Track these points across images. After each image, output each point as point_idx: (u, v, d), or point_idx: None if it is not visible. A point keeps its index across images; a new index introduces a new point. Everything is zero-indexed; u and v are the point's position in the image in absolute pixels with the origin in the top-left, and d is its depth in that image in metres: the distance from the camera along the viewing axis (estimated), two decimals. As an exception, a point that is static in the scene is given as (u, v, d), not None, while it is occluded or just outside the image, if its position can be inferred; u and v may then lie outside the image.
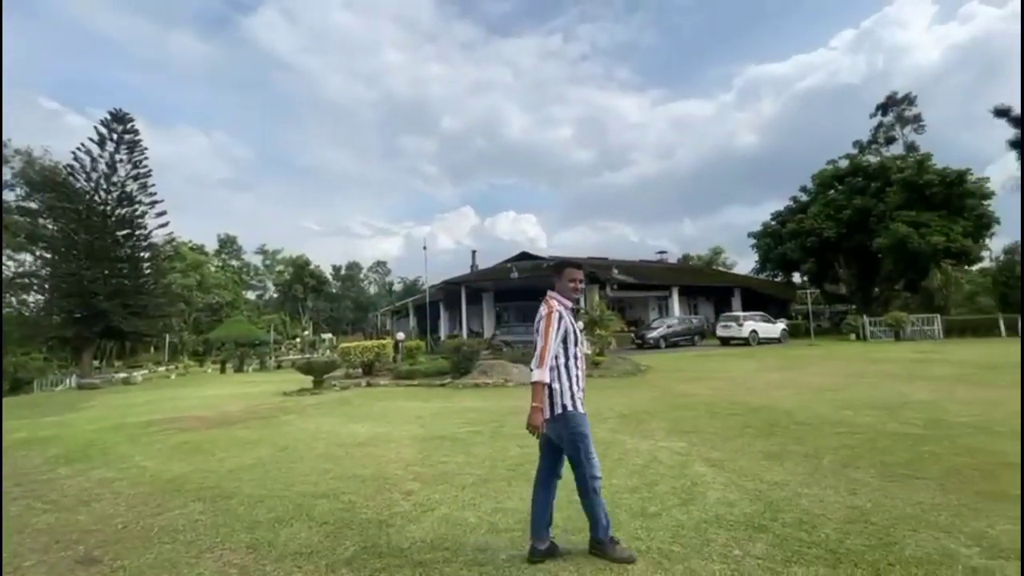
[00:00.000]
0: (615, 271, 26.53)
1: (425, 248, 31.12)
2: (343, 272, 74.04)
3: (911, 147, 33.65)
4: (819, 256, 30.66)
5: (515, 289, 26.73)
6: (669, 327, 23.90)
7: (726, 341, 22.83)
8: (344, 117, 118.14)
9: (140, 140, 27.96)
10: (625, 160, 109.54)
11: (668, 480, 3.91)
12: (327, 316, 63.48)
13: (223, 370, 24.67)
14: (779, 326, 23.81)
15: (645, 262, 38.99)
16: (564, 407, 2.65)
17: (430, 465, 4.65)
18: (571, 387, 2.67)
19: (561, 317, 2.66)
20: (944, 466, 3.96)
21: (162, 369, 26.29)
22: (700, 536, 2.83)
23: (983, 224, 26.84)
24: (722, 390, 8.75)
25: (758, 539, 2.76)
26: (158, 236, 29.43)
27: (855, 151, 34.32)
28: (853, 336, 24.25)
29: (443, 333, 29.06)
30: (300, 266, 54.13)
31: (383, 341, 16.62)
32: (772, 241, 33.29)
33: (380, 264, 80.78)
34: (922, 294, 30.54)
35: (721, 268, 50.55)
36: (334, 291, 68.38)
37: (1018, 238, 29.64)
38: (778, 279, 35.26)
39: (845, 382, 9.09)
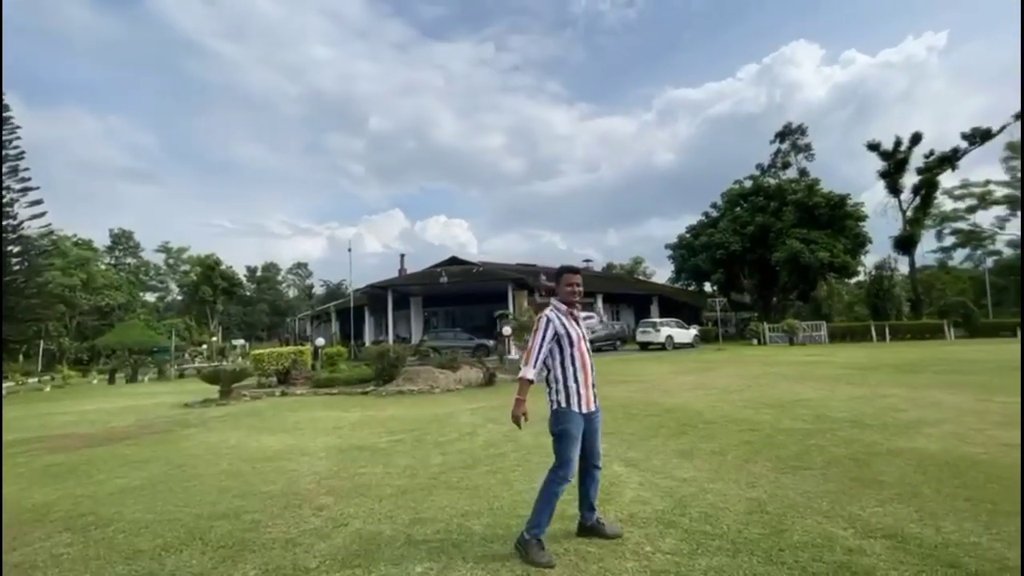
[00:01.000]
0: (543, 278, 27.06)
1: (350, 250, 30.01)
2: (259, 274, 69.24)
3: (803, 172, 37.67)
4: (727, 267, 33.38)
5: (444, 294, 26.44)
6: (593, 332, 24.71)
7: (645, 346, 24.08)
8: (263, 110, 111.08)
9: (11, 117, 24.41)
10: (554, 170, 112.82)
11: (587, 481, 3.99)
12: (240, 321, 58.89)
13: (112, 380, 21.99)
14: (692, 332, 25.51)
15: (572, 270, 40.17)
16: (557, 403, 2.90)
17: (346, 477, 4.41)
18: (565, 385, 2.86)
19: (549, 322, 2.87)
20: (826, 457, 4.40)
21: (34, 381, 22.90)
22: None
23: (859, 243, 30.63)
24: (639, 392, 9.17)
25: (668, 534, 2.89)
26: (31, 228, 25.77)
27: (757, 173, 37.86)
28: (755, 341, 26.57)
29: (368, 339, 28.01)
30: (209, 266, 49.73)
31: (301, 347, 15.67)
32: (687, 253, 35.76)
33: (301, 266, 76.57)
34: (811, 303, 34.21)
35: (641, 277, 53.40)
36: (248, 294, 63.64)
37: (885, 256, 34.17)
38: (692, 288, 37.84)
39: (747, 383, 9.90)
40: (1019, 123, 33.41)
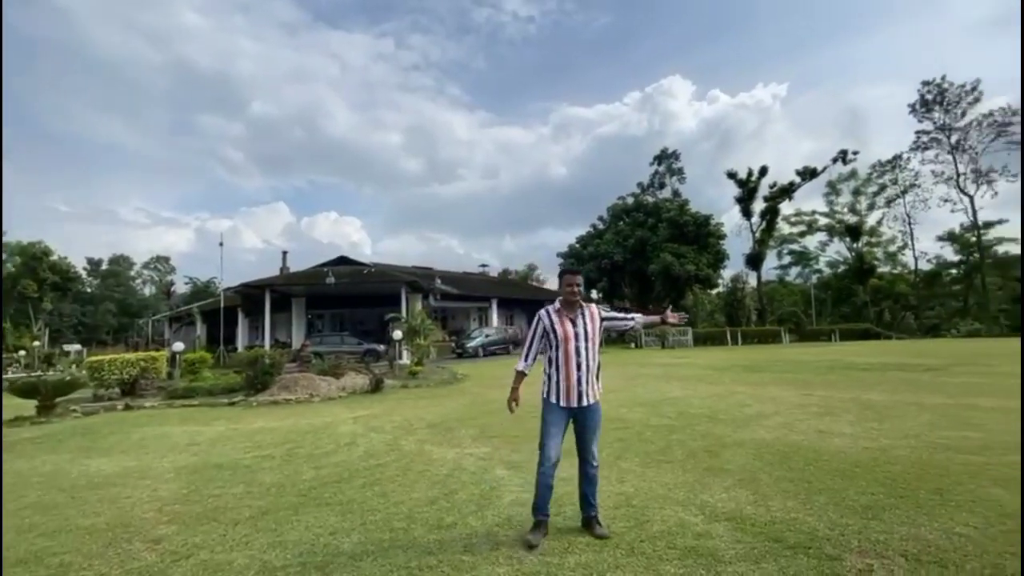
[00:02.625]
0: (438, 281, 26.72)
1: (222, 244, 26.74)
2: (104, 268, 59.30)
3: (676, 193, 42.00)
4: (611, 276, 35.97)
5: (332, 295, 24.87)
6: (487, 336, 25.02)
7: (536, 350, 24.85)
8: (118, 78, 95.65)
9: None
10: (454, 174, 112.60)
11: (469, 487, 3.95)
12: (76, 323, 49.78)
13: None
14: (579, 336, 26.98)
15: (468, 274, 40.33)
16: (542, 393, 3.16)
17: (196, 501, 3.87)
18: (548, 377, 3.12)
19: (539, 320, 3.12)
20: (686, 450, 4.86)
21: None
22: (490, 541, 2.89)
23: (719, 258, 34.94)
24: (528, 394, 9.36)
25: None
26: None
27: (638, 191, 41.48)
28: (633, 344, 28.90)
29: (240, 344, 25.30)
30: (34, 256, 41.32)
31: (155, 353, 13.62)
32: (576, 261, 37.83)
33: (161, 260, 67.11)
34: (680, 310, 37.96)
35: (535, 283, 55.30)
36: (89, 291, 54.09)
37: (739, 270, 39.43)
38: (580, 295, 40.06)
39: (624, 383, 10.66)
40: (838, 164, 40.69)
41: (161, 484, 4.42)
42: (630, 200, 39.20)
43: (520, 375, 3.17)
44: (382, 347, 20.46)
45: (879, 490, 3.50)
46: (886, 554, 2.54)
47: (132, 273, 64.02)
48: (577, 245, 39.22)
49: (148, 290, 65.27)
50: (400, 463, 4.83)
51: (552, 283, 51.96)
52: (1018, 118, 37.19)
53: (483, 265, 45.29)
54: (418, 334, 15.06)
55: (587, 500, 3.05)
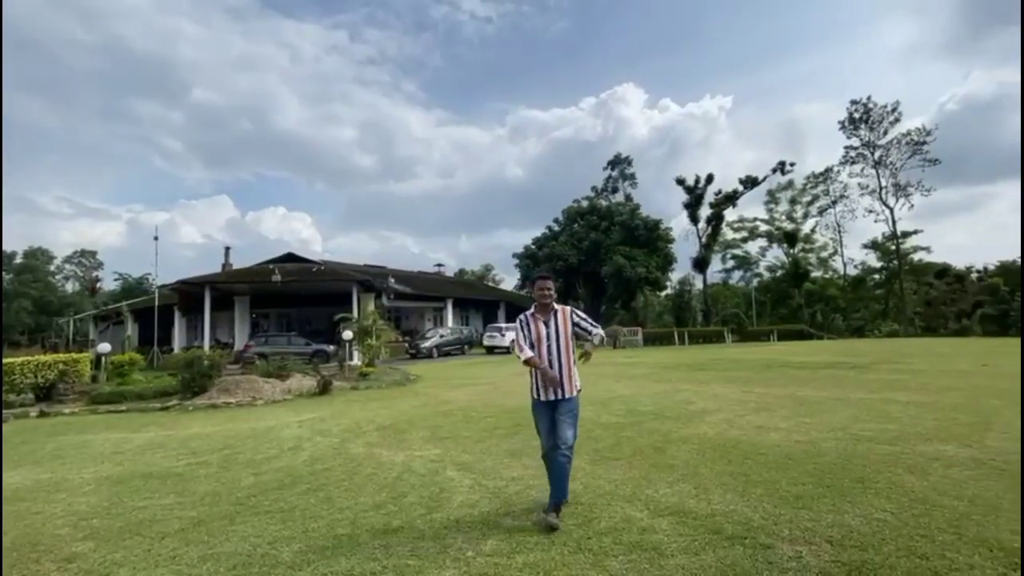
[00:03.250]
0: (392, 280, 26.23)
1: (157, 239, 24.98)
2: (19, 261, 54.15)
3: (628, 197, 43.21)
4: (565, 277, 36.48)
5: (278, 294, 23.85)
6: (442, 337, 24.75)
7: (491, 349, 24.89)
8: (41, 53, 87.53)
9: None
10: (410, 172, 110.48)
11: (418, 490, 3.88)
12: (-18, 321, 44.99)
13: None
14: (534, 336, 27.20)
15: (423, 273, 39.81)
16: (530, 392, 3.45)
17: (117, 515, 3.58)
18: (532, 376, 3.38)
19: (520, 322, 3.44)
20: (633, 447, 4.99)
21: None
22: (438, 544, 2.84)
23: (668, 261, 36.27)
24: (481, 395, 9.38)
25: (491, 536, 2.92)
26: None
27: (592, 194, 42.39)
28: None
29: (177, 345, 23.77)
30: (-68, 248, 37.03)
31: (76, 355, 12.54)
32: (532, 262, 38.18)
33: (87, 255, 61.99)
34: (631, 311, 39.13)
35: (491, 283, 55.31)
36: (-1, 286, 49.05)
37: (686, 273, 41.08)
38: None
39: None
40: (777, 175, 43.14)
41: (78, 497, 4.07)
42: (584, 203, 40.01)
43: (531, 358, 3.30)
44: (332, 348, 19.80)
45: (809, 480, 3.73)
46: (813, 540, 2.69)
47: (52, 268, 58.79)
48: (533, 246, 39.58)
49: (71, 286, 60.15)
50: (347, 467, 4.68)
51: (508, 284, 52.18)
52: (932, 138, 40.89)
53: (438, 265, 44.77)
54: (369, 334, 14.69)
55: (557, 488, 3.19)
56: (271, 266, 23.04)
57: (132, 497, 4.00)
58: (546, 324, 3.29)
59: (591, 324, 3.46)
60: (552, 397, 3.29)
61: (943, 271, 39.69)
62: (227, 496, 3.91)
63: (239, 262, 28.62)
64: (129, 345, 20.13)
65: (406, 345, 24.43)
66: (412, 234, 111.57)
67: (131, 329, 27.78)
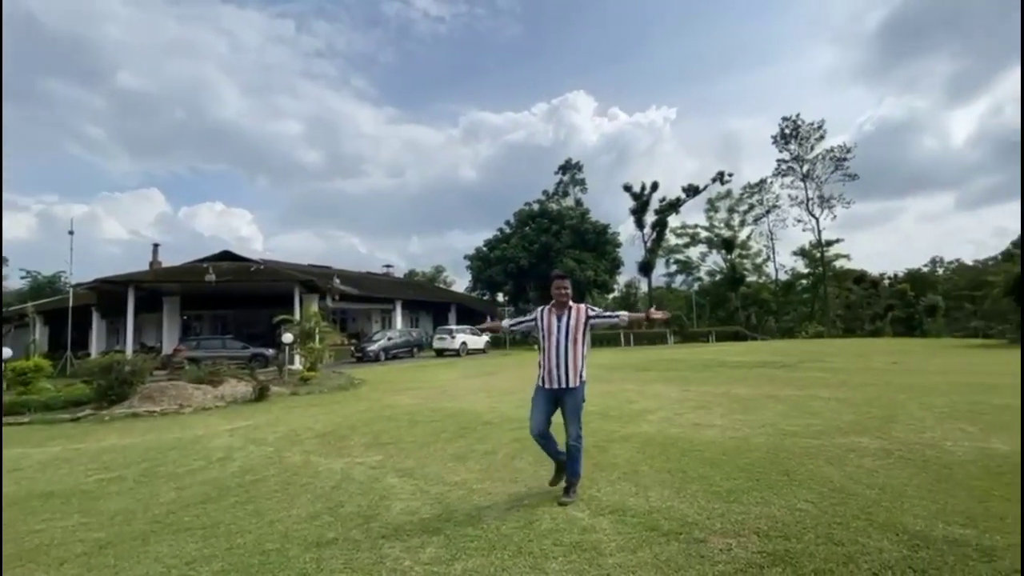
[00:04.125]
0: (337, 281, 25.32)
1: (72, 233, 22.80)
2: (-99, 256, 47.79)
3: (578, 202, 44.08)
4: (516, 280, 36.70)
5: (212, 294, 22.42)
6: (390, 339, 24.17)
7: (441, 352, 24.59)
8: (-72, 22, 77.68)
9: None
10: (357, 170, 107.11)
11: (356, 499, 3.73)
12: None
13: None
14: (484, 338, 27.11)
15: (371, 274, 38.75)
16: (536, 380, 3.77)
17: (8, 540, 3.18)
18: (539, 365, 3.73)
19: (536, 314, 3.82)
20: (578, 447, 5.04)
21: None
22: (375, 554, 2.73)
23: (615, 265, 37.29)
24: (427, 398, 9.21)
25: (430, 543, 2.85)
26: None
27: (543, 198, 42.88)
28: (536, 347, 29.69)
29: (95, 349, 21.79)
30: None
31: (-31, 361, 11.17)
32: (483, 264, 38.10)
33: (-14, 249, 55.58)
34: (581, 314, 39.83)
35: (442, 285, 54.70)
36: None
37: (632, 276, 42.41)
38: (486, 297, 40.40)
39: (523, 384, 10.84)
40: (716, 184, 45.44)
41: (-38, 522, 3.60)
42: (536, 206, 40.39)
43: (498, 326, 4.27)
44: (272, 352, 18.86)
45: (740, 475, 3.90)
46: (743, 533, 2.81)
47: (-56, 264, 52.37)
48: (484, 248, 39.50)
49: (-32, 285, 53.83)
50: (281, 477, 4.43)
51: (459, 286, 51.81)
52: (851, 155, 44.56)
53: (387, 266, 43.70)
54: (312, 337, 14.09)
55: (568, 469, 3.59)
56: (205, 264, 21.59)
57: (27, 519, 3.59)
58: (559, 319, 3.62)
59: (609, 314, 3.87)
60: (555, 385, 3.59)
61: (860, 277, 43.29)
62: (142, 514, 3.59)
63: (170, 260, 26.68)
64: (35, 350, 18.22)
65: (352, 348, 23.68)
66: (360, 234, 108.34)
67: (38, 332, 25.18)
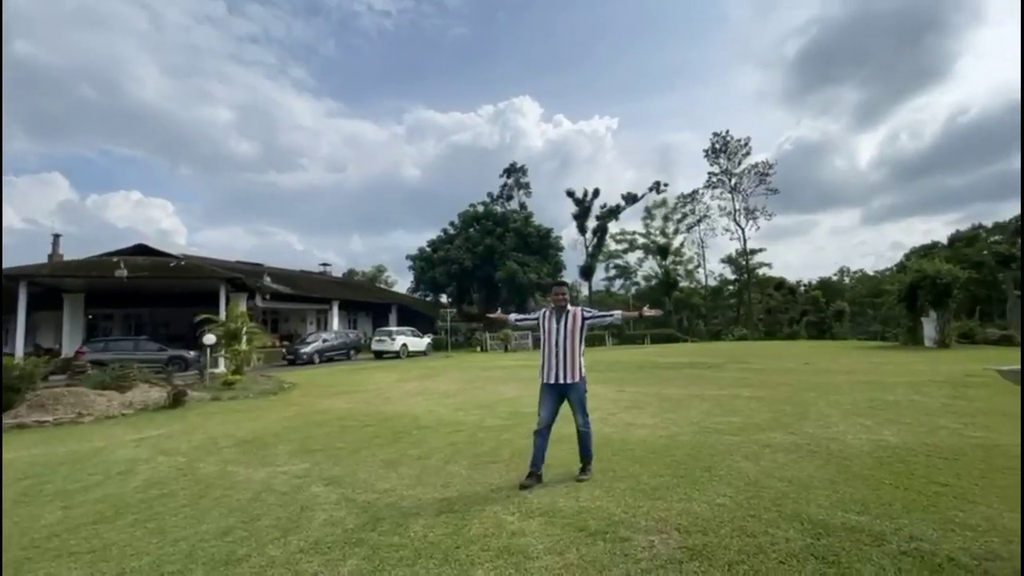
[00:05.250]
0: (268, 279, 23.99)
1: (-49, 220, 20.01)
2: None
3: (523, 205, 44.50)
4: (460, 281, 36.45)
5: (123, 291, 20.52)
6: (325, 341, 23.18)
7: (380, 354, 23.90)
8: None
9: None
10: (294, 164, 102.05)
11: (275, 510, 3.49)
12: None
13: None
14: (426, 340, 26.68)
15: (307, 273, 37.03)
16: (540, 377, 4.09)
17: None
18: (541, 363, 4.09)
19: (543, 312, 4.19)
20: (513, 449, 5.03)
21: None
22: (290, 570, 2.56)
23: (558, 268, 37.92)
24: (362, 402, 8.89)
25: (352, 555, 2.71)
26: None
27: (488, 200, 42.91)
28: (479, 348, 29.62)
29: (-23, 351, 19.22)
30: None
31: None
32: (426, 265, 37.55)
33: None
34: (523, 316, 40.20)
35: (383, 286, 53.25)
36: None
37: (574, 280, 43.33)
38: (429, 299, 39.80)
39: (464, 387, 10.78)
40: (653, 193, 47.47)
41: None
42: (480, 208, 40.36)
43: (505, 319, 4.75)
44: (192, 354, 17.50)
45: (666, 472, 4.05)
46: (665, 529, 2.90)
47: None
48: (428, 249, 38.94)
49: None
50: (192, 490, 4.08)
51: (401, 286, 50.69)
52: (773, 171, 48.15)
53: (324, 264, 41.89)
54: (238, 338, 13.20)
55: (582, 453, 4.10)
56: (116, 259, 19.66)
57: None
58: (558, 321, 4.02)
59: (604, 314, 4.32)
60: (554, 380, 3.96)
61: (780, 284, 46.83)
62: (18, 538, 3.17)
63: (76, 253, 24.12)
64: (-99, 353, 15.78)
65: (284, 350, 22.48)
66: (296, 230, 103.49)
67: (-93, 332, 21.86)
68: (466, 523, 3.11)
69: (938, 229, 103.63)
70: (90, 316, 22.87)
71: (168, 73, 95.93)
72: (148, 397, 9.60)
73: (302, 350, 21.59)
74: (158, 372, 13.52)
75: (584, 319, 4.04)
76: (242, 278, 20.23)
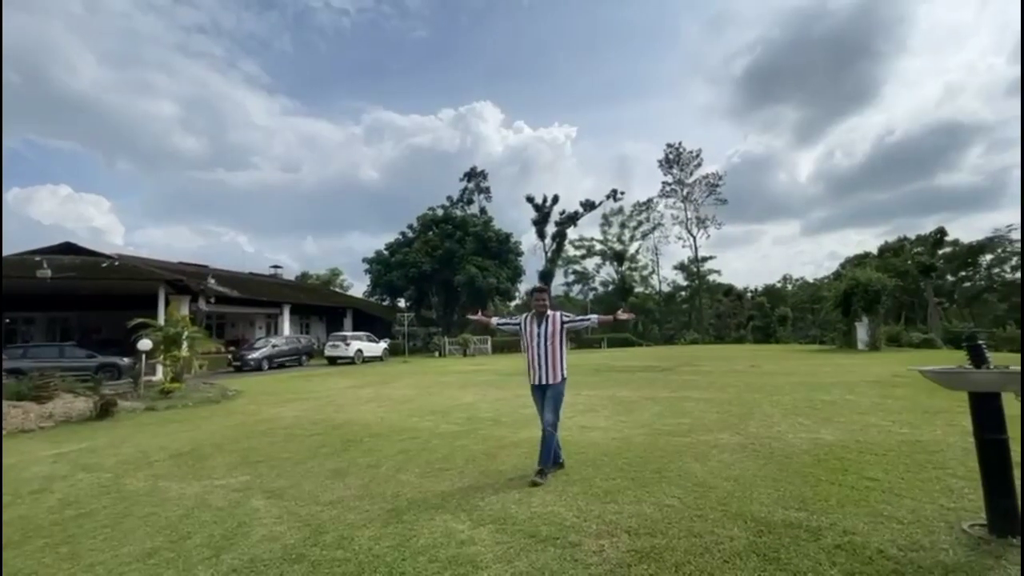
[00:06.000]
0: (212, 281, 22.78)
1: None
2: None
3: (483, 210, 44.44)
4: (418, 285, 35.91)
5: (46, 294, 18.90)
6: (275, 347, 22.20)
7: (334, 360, 23.14)
8: None
9: None
10: (246, 162, 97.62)
11: (208, 528, 3.26)
12: None
13: None
14: (382, 345, 26.06)
15: (256, 275, 35.46)
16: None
17: None
18: (527, 366, 4.27)
19: (524, 317, 4.39)
20: (467, 455, 4.95)
21: None
22: (220, 593, 2.38)
23: (517, 273, 38.09)
24: (311, 410, 8.53)
25: (290, 572, 2.56)
26: None
27: (448, 204, 42.62)
28: (437, 353, 29.25)
29: None
30: None
31: None
32: (383, 268, 36.76)
33: None
34: (483, 321, 40.03)
35: (338, 289, 51.73)
36: None
37: (533, 285, 43.56)
38: (386, 303, 38.96)
39: (419, 392, 10.57)
40: (610, 201, 48.56)
41: None
42: (440, 212, 39.97)
43: (488, 322, 4.96)
44: (127, 361, 16.32)
45: (618, 475, 4.08)
46: (615, 533, 2.91)
47: None
48: (385, 252, 38.13)
49: None
50: (115, 509, 3.76)
51: (357, 290, 49.41)
52: (723, 183, 50.41)
53: (275, 267, 40.21)
54: (177, 344, 12.42)
55: (541, 453, 4.11)
56: (39, 258, 18.08)
57: None
58: (539, 325, 4.22)
59: (582, 318, 4.55)
60: (538, 382, 4.20)
61: (729, 290, 48.95)
62: (-99, 570, 2.80)
63: (-12, 251, 21.98)
64: None
65: (230, 357, 21.36)
66: (247, 231, 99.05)
67: None
68: (414, 533, 3.01)
69: (869, 240, 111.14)
70: (7, 320, 20.95)
71: (106, 61, 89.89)
72: (71, 408, 8.84)
73: (250, 356, 20.60)
74: (85, 381, 12.50)
75: (563, 323, 4.25)
76: (184, 280, 19.08)
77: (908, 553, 2.54)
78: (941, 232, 43.05)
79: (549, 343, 4.17)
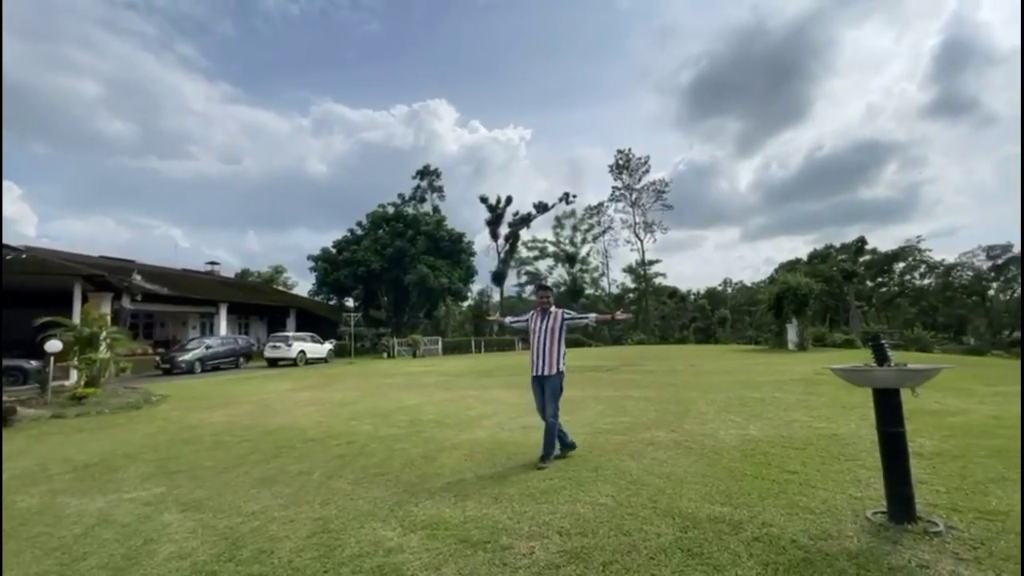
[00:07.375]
0: (138, 277, 21.17)
1: None
2: None
3: (436, 209, 43.96)
4: (367, 284, 34.96)
5: (-62, 289, 16.83)
6: (208, 348, 20.88)
7: (274, 362, 22.10)
8: None
9: None
10: (181, 151, 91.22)
11: (109, 546, 2.98)
12: None
13: None
14: (327, 346, 25.13)
15: (190, 272, 33.28)
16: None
17: None
18: (530, 358, 4.66)
19: (531, 314, 4.78)
20: (405, 459, 4.82)
21: None
22: (112, 619, 2.16)
23: (470, 273, 37.91)
24: (244, 415, 8.06)
25: (198, 593, 2.36)
26: None
27: (399, 201, 41.83)
28: (385, 355, 28.57)
29: None
30: None
31: None
32: (330, 266, 35.52)
33: None
34: (434, 321, 39.71)
35: (281, 288, 49.47)
36: None
37: (485, 285, 43.52)
38: (332, 302, 37.65)
39: (362, 395, 10.25)
40: (562, 204, 49.27)
41: None
42: (391, 209, 39.10)
43: (502, 320, 5.85)
44: (33, 364, 14.82)
45: (556, 475, 4.09)
46: (547, 534, 2.90)
47: None
48: (332, 249, 36.84)
49: None
50: (14, 531, 3.36)
51: (302, 288, 47.43)
52: (669, 189, 52.43)
53: (212, 263, 37.84)
54: (93, 345, 11.40)
55: (544, 443, 4.47)
56: (-72, 249, 16.08)
57: None
58: (542, 321, 4.59)
59: (580, 316, 4.81)
60: (537, 372, 4.53)
61: (673, 293, 50.99)
62: None
63: None
64: None
65: (158, 359, 19.90)
66: (181, 224, 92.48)
67: None
68: (340, 543, 2.87)
69: (800, 247, 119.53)
70: None
71: (18, 33, 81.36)
72: (-38, 417, 7.89)
73: (180, 358, 19.27)
74: (-15, 386, 11.23)
75: (564, 320, 4.57)
76: (104, 276, 17.56)
77: (818, 542, 2.68)
78: (862, 241, 46.85)
79: (549, 337, 4.49)
